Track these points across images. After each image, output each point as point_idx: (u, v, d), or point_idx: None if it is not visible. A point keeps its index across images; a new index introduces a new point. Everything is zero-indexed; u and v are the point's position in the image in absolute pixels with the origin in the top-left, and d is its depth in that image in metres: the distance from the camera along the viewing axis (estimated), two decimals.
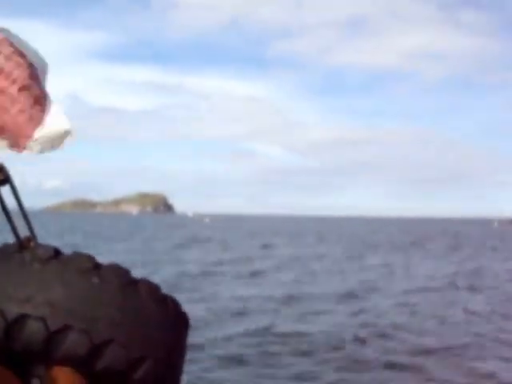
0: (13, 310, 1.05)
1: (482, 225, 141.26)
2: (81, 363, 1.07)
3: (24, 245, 1.17)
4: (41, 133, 1.25)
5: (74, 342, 1.05)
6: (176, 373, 1.20)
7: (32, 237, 1.21)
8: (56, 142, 1.28)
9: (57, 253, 1.14)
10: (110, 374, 1.08)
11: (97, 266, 1.13)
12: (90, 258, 1.14)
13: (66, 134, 1.28)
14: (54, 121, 1.27)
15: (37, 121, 1.25)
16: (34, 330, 1.05)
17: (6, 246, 1.18)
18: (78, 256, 1.14)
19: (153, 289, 1.17)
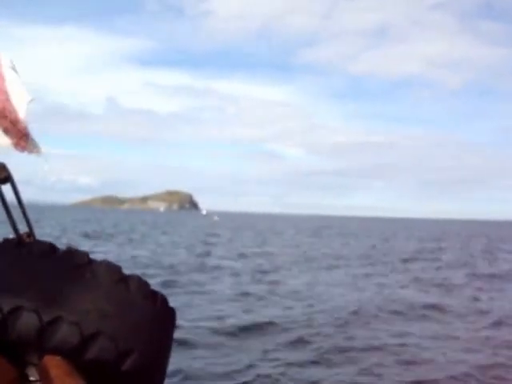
0: (8, 302, 1.11)
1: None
2: (71, 353, 1.11)
3: (22, 240, 1.23)
4: None
5: (65, 333, 1.10)
6: (162, 366, 1.25)
7: (30, 233, 1.27)
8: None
9: (52, 248, 1.19)
10: (98, 364, 1.12)
11: (90, 262, 1.17)
12: (84, 254, 1.19)
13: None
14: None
15: None
16: (28, 321, 1.10)
17: (6, 241, 1.23)
18: (72, 252, 1.19)
19: (142, 285, 1.21)
